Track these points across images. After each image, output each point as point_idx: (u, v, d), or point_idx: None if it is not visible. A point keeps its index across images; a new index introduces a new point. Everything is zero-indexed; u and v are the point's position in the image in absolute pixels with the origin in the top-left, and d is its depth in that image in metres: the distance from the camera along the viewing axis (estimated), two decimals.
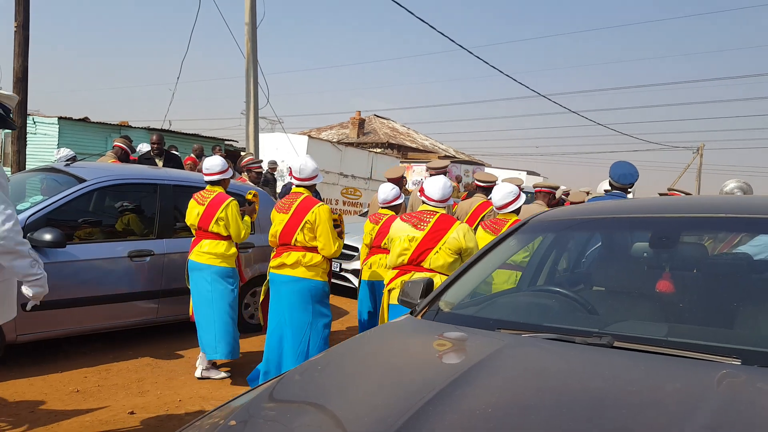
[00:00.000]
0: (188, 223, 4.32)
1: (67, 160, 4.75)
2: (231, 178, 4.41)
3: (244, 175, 7.41)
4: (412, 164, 21.33)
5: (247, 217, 4.33)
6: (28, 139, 10.21)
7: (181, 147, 10.09)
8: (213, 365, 4.25)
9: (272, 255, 3.91)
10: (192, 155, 8.80)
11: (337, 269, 7.27)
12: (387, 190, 4.69)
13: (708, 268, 2.39)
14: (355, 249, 6.85)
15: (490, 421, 1.21)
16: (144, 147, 8.21)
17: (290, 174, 3.97)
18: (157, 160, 7.74)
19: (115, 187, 4.67)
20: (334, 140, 27.61)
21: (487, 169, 21.94)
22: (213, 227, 4.09)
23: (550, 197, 6.19)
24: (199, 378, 4.15)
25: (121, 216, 4.82)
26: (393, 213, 4.60)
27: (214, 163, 4.27)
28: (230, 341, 4.12)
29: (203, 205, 4.16)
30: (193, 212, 4.21)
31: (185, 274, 4.33)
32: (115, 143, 7.83)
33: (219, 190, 4.24)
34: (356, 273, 6.79)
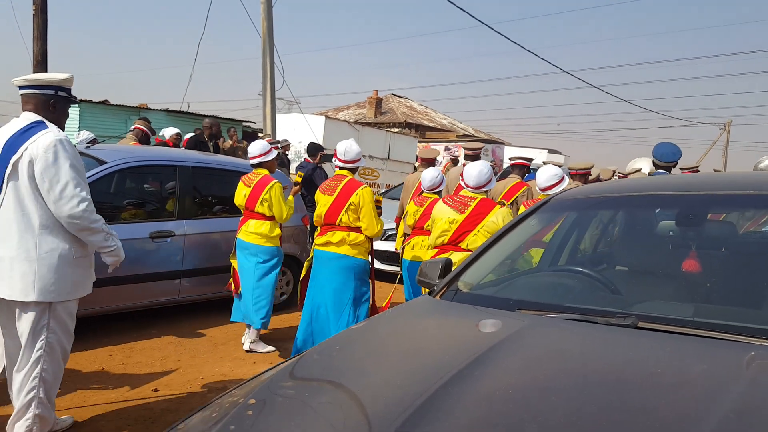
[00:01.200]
0: (236, 203, 4.55)
1: (88, 143, 4.79)
2: (275, 159, 4.60)
3: None
4: (429, 143, 21.18)
5: (291, 198, 4.54)
6: None
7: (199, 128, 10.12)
8: (260, 339, 4.44)
9: (317, 233, 4.11)
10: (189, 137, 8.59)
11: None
12: (432, 177, 4.79)
13: (736, 247, 2.32)
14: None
15: (509, 402, 1.19)
16: (168, 132, 8.19)
17: (335, 156, 4.14)
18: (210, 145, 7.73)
19: (135, 169, 4.71)
20: (352, 120, 27.47)
21: (506, 148, 21.65)
22: (258, 208, 4.32)
23: (585, 178, 6.11)
24: (247, 351, 4.35)
25: (141, 198, 4.88)
26: (437, 196, 4.69)
27: (255, 147, 4.50)
28: (264, 315, 4.35)
29: (249, 186, 4.38)
30: (241, 193, 4.45)
31: (233, 250, 4.53)
32: (135, 125, 7.88)
33: (264, 172, 4.43)
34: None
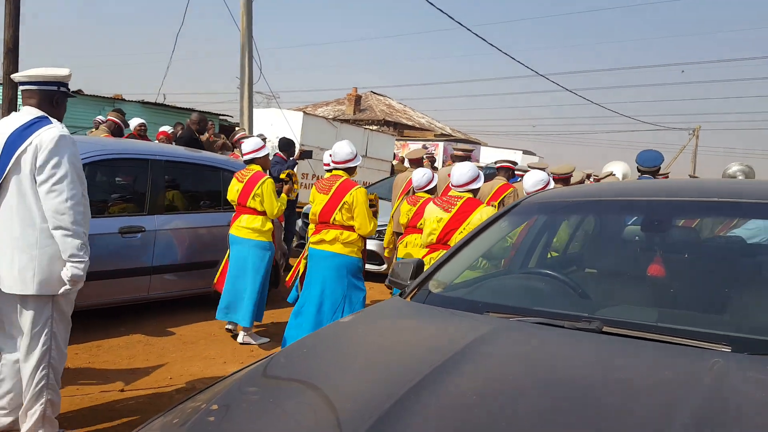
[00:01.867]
0: (229, 199, 4.68)
1: None
2: (267, 155, 4.74)
3: (237, 151, 7.33)
4: (407, 142, 21.21)
5: (283, 195, 4.69)
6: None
7: (174, 121, 9.92)
8: (253, 331, 4.56)
9: (311, 231, 4.25)
10: (164, 129, 8.52)
11: None
12: (419, 177, 4.86)
13: (700, 253, 2.37)
14: None
15: (473, 408, 1.20)
16: (132, 122, 8.04)
17: (330, 158, 4.39)
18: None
19: (106, 162, 4.60)
20: (331, 116, 27.34)
21: (482, 148, 21.81)
22: (250, 203, 4.44)
23: (567, 182, 6.27)
24: (241, 343, 4.46)
25: (112, 192, 4.78)
26: (429, 196, 4.76)
27: (249, 144, 4.67)
28: (256, 308, 4.46)
29: (242, 182, 4.51)
30: (234, 189, 4.58)
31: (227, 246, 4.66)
32: (108, 116, 7.71)
33: (257, 168, 4.56)
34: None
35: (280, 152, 7.91)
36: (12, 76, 2.55)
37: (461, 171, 4.00)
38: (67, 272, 2.48)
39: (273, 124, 12.13)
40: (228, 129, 13.82)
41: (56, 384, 2.64)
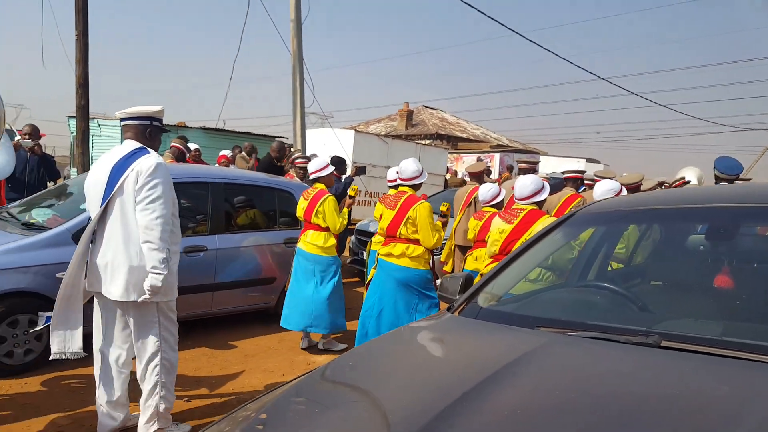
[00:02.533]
0: (297, 216, 5.02)
1: None
2: (332, 174, 4.97)
3: (292, 171, 7.56)
4: (462, 155, 21.09)
5: (345, 210, 4.92)
6: (94, 141, 10.76)
7: (233, 144, 10.36)
8: (332, 338, 4.84)
9: (382, 242, 4.47)
10: (224, 153, 9.00)
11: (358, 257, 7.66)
12: (486, 191, 5.03)
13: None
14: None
15: (516, 423, 1.18)
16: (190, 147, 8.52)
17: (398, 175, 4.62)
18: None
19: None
20: (383, 133, 27.63)
21: (543, 158, 21.36)
22: (314, 219, 4.71)
23: (635, 191, 6.08)
24: (320, 349, 4.76)
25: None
26: (495, 210, 4.91)
27: (314, 163, 4.94)
28: (332, 316, 4.68)
29: (307, 200, 4.79)
30: (300, 206, 4.88)
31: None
32: (172, 143, 8.15)
33: (321, 186, 4.81)
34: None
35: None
36: (116, 113, 3.02)
37: (524, 183, 4.09)
38: (147, 282, 2.75)
39: (326, 144, 12.41)
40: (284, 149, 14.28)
41: (169, 383, 2.94)
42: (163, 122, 3.05)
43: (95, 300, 2.98)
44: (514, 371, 1.41)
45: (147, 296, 2.77)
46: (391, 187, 5.91)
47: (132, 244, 2.79)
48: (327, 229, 4.69)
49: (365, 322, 4.28)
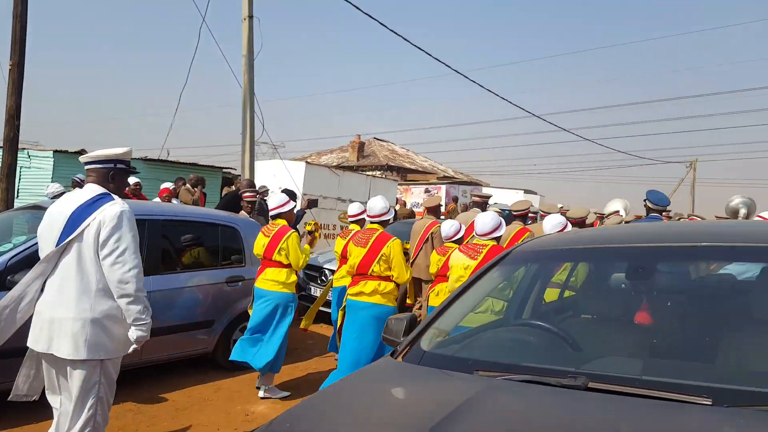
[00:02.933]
0: (255, 253, 4.88)
1: (54, 196, 4.75)
2: (293, 210, 4.96)
3: (242, 203, 7.40)
4: (410, 186, 21.39)
5: (306, 246, 4.87)
6: (22, 173, 10.20)
7: (177, 176, 10.08)
8: (273, 385, 4.70)
9: (349, 284, 4.48)
10: (166, 186, 8.60)
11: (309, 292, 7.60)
12: (448, 228, 5.08)
13: (684, 298, 2.35)
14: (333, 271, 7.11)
15: None
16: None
17: (366, 213, 4.81)
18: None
19: None
20: (335, 164, 27.73)
21: (485, 189, 21.94)
22: (276, 256, 4.62)
23: (582, 225, 6.63)
24: (261, 398, 4.56)
25: None
26: (457, 246, 4.94)
27: (274, 199, 4.93)
28: (278, 357, 4.60)
29: (268, 236, 4.70)
30: (260, 243, 4.77)
31: (251, 299, 4.79)
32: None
33: (282, 223, 4.77)
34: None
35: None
36: (80, 158, 2.91)
37: (485, 221, 4.28)
38: (133, 334, 2.71)
39: (276, 175, 12.32)
40: (230, 181, 14.05)
41: None
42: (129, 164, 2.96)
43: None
44: (455, 419, 1.43)
45: (135, 347, 2.75)
46: (353, 222, 6.05)
47: (86, 297, 2.66)
48: (289, 265, 4.64)
49: (341, 370, 4.18)
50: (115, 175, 2.85)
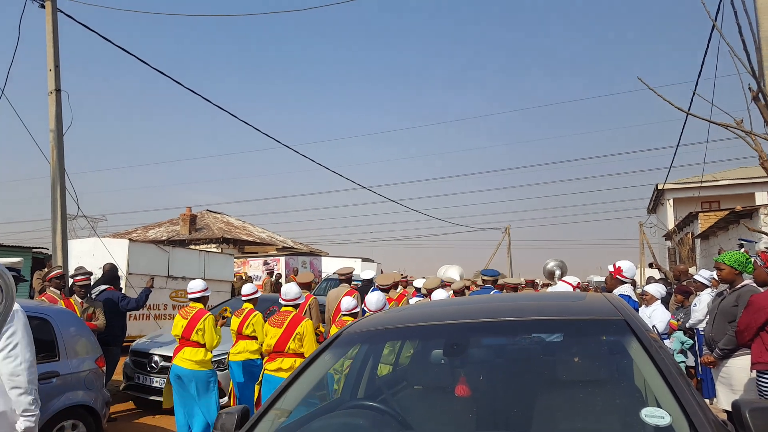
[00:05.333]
0: (173, 334, 5.41)
1: None
2: (208, 296, 5.63)
3: (49, 291, 6.53)
4: (248, 259, 20.88)
5: (219, 328, 5.33)
6: None
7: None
8: None
9: (265, 360, 5.05)
10: None
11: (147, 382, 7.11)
12: (348, 302, 5.56)
13: (498, 365, 2.61)
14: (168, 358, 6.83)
15: None
16: None
17: (280, 297, 5.31)
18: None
19: None
20: (164, 237, 25.97)
21: (324, 259, 22.25)
22: (194, 336, 5.16)
23: (461, 295, 7.45)
24: None
25: None
26: (353, 319, 5.34)
27: (195, 284, 5.51)
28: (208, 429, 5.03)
29: (186, 318, 5.25)
30: (178, 324, 5.29)
31: (167, 377, 5.33)
32: None
33: (199, 306, 5.38)
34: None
35: (110, 285, 7.64)
36: None
37: (377, 299, 5.17)
38: (21, 425, 2.77)
39: (95, 255, 11.17)
40: (41, 262, 12.38)
41: None
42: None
43: None
44: None
45: None
46: (246, 301, 6.30)
47: None
48: (204, 345, 5.16)
49: None
50: None
